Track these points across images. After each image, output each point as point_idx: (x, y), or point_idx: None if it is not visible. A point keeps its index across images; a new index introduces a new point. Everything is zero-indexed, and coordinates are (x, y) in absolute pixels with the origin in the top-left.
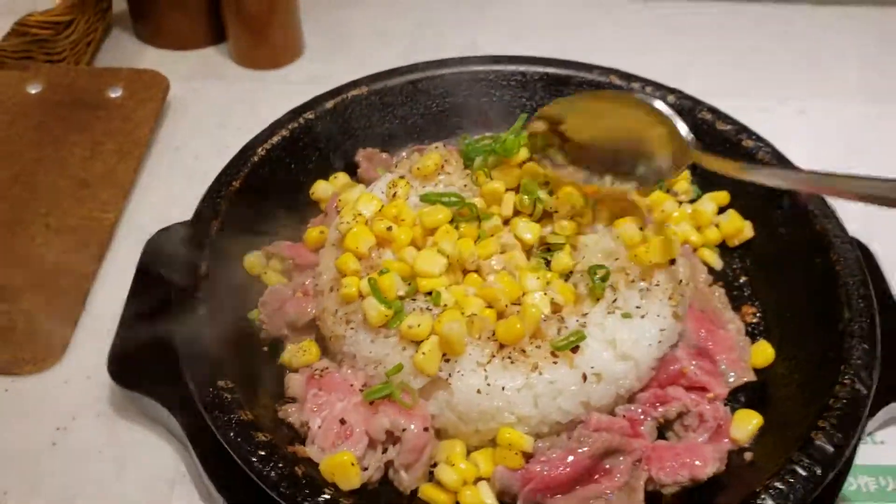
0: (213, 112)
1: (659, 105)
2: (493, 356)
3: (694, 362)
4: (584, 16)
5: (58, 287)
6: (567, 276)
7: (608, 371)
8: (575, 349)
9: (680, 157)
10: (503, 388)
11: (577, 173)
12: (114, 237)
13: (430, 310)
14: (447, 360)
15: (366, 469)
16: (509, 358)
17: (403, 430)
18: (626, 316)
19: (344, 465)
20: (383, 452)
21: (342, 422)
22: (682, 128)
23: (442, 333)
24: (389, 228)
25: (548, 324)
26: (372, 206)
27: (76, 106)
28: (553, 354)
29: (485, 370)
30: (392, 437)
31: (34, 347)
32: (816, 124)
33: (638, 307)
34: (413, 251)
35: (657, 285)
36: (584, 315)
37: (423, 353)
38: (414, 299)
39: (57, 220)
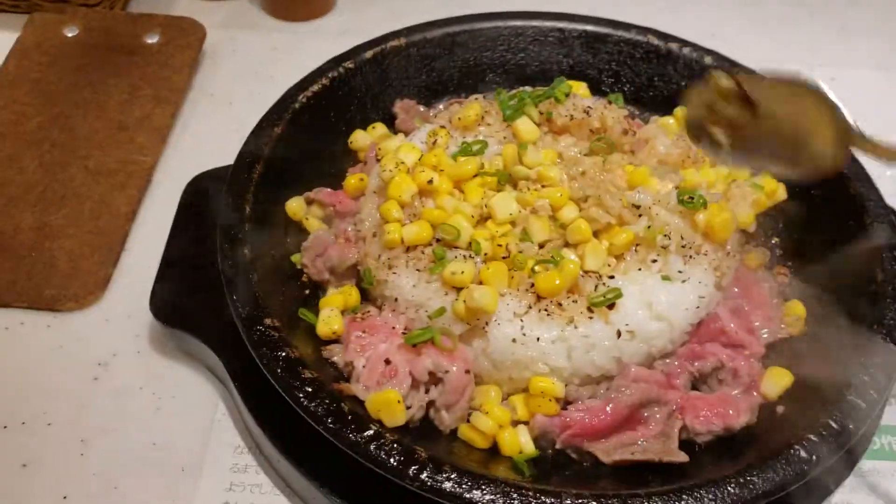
0: (247, 61)
1: (824, 89)
2: (531, 307)
3: (733, 321)
4: None
5: (98, 227)
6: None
7: (642, 330)
8: (611, 306)
9: (843, 144)
10: (538, 339)
11: (731, 157)
12: (152, 180)
13: (473, 257)
14: None
15: (409, 408)
16: (546, 310)
17: (446, 371)
18: (666, 279)
19: (390, 402)
20: (426, 392)
21: (387, 361)
22: (847, 115)
23: (470, 303)
24: (430, 181)
25: (585, 279)
26: (413, 156)
27: (113, 50)
28: (589, 310)
29: (521, 320)
30: (434, 378)
31: (76, 284)
32: (848, 93)
33: (680, 272)
34: (452, 200)
35: (705, 254)
36: (624, 273)
37: (464, 301)
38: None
39: (96, 162)
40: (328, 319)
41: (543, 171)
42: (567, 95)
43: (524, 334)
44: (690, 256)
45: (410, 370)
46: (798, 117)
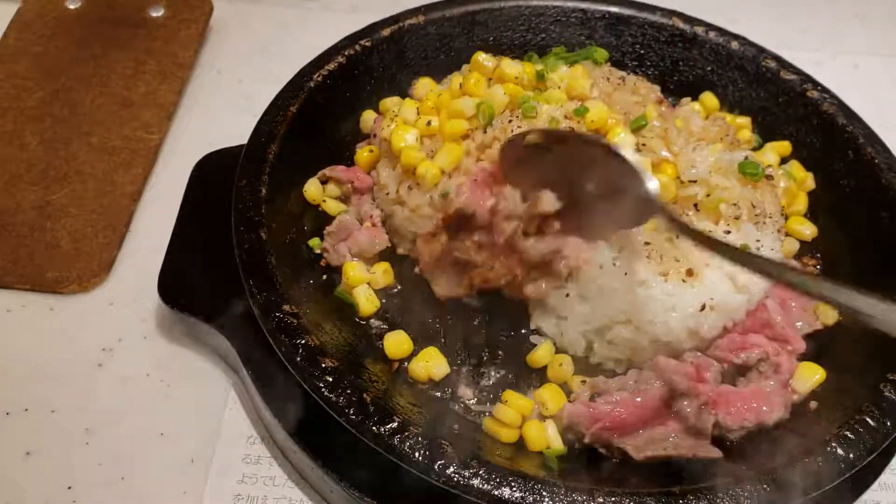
0: (255, 37)
1: (630, 156)
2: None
3: (780, 315)
4: None
5: (102, 206)
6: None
7: (724, 303)
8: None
9: (643, 210)
10: (625, 273)
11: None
12: (158, 158)
13: None
14: None
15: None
16: (647, 254)
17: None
18: (745, 248)
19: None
20: None
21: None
22: (652, 183)
23: None
24: (429, 123)
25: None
26: (412, 110)
27: (117, 24)
28: (689, 273)
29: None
30: None
31: (79, 266)
32: (871, 80)
33: (758, 241)
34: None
35: (770, 217)
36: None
37: None
38: None
39: (100, 139)
40: (370, 298)
41: (572, 82)
42: (607, 61)
43: (614, 264)
44: (763, 222)
45: None
46: (603, 178)
